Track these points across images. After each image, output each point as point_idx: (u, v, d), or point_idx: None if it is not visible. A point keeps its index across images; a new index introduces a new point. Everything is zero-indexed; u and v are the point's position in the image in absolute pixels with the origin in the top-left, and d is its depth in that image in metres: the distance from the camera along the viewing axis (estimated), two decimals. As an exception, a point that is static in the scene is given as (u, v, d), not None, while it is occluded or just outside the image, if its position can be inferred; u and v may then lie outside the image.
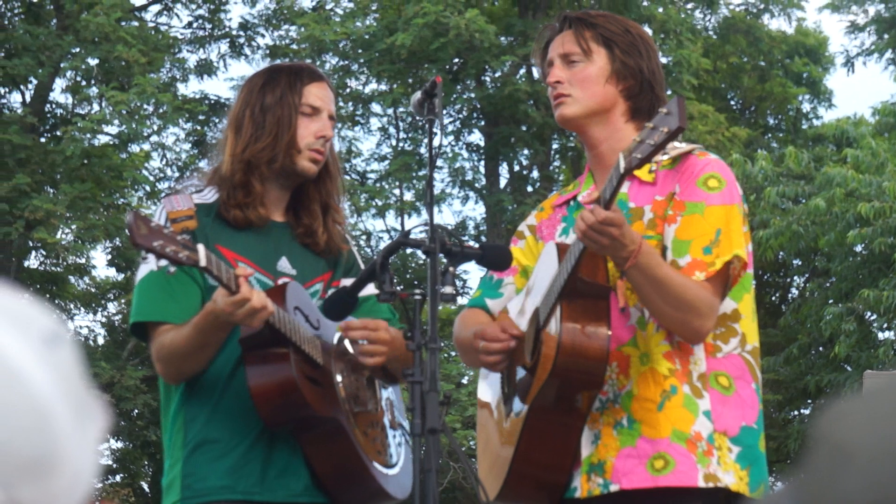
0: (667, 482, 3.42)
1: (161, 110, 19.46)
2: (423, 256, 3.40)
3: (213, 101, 21.30)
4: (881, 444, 1.05)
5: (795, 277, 24.18)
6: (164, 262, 3.40)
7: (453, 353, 17.71)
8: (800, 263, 22.99)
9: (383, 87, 21.38)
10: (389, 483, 3.86)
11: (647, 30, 20.65)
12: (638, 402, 3.48)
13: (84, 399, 1.44)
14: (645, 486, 3.44)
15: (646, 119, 3.56)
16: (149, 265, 3.68)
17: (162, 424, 3.88)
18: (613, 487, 3.46)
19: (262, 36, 21.81)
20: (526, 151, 21.54)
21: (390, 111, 21.88)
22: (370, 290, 3.71)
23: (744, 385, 3.54)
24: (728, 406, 3.50)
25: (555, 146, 21.90)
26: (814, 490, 1.05)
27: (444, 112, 20.83)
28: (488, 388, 3.82)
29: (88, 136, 19.11)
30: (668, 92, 18.80)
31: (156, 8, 21.77)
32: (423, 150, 21.23)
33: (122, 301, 21.85)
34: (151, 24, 21.56)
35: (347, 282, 3.75)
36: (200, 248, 3.42)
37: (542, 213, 3.86)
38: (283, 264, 3.87)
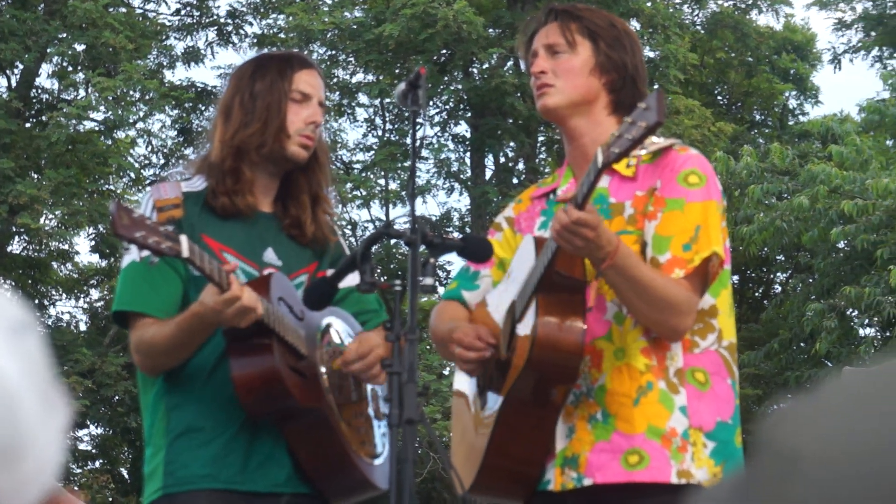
0: (640, 477, 3.42)
1: (147, 97, 19.42)
2: (406, 247, 3.40)
3: (199, 89, 21.24)
4: (828, 447, 0.99)
5: (778, 273, 24.23)
6: (146, 253, 3.38)
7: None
8: (783, 259, 23.04)
9: (370, 77, 21.34)
10: (374, 473, 3.85)
11: (635, 24, 20.74)
12: (612, 397, 3.48)
13: (50, 388, 1.44)
14: (618, 480, 3.43)
15: (627, 113, 3.57)
16: (133, 255, 3.66)
17: (142, 412, 3.86)
18: (587, 481, 3.45)
19: (250, 24, 21.78)
20: (512, 143, 21.50)
21: (377, 101, 21.85)
22: (352, 280, 3.71)
23: (720, 381, 3.54)
24: (704, 401, 3.50)
25: (541, 138, 21.86)
26: (761, 498, 1.00)
27: (431, 103, 20.80)
28: (465, 379, 3.82)
29: (74, 121, 19.06)
30: (656, 87, 18.74)
31: (143, -6, 21.72)
32: (408, 140, 21.16)
33: (105, 288, 21.80)
34: (139, 11, 21.51)
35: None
36: (183, 238, 3.40)
37: (521, 205, 3.84)
38: (269, 255, 3.85)
